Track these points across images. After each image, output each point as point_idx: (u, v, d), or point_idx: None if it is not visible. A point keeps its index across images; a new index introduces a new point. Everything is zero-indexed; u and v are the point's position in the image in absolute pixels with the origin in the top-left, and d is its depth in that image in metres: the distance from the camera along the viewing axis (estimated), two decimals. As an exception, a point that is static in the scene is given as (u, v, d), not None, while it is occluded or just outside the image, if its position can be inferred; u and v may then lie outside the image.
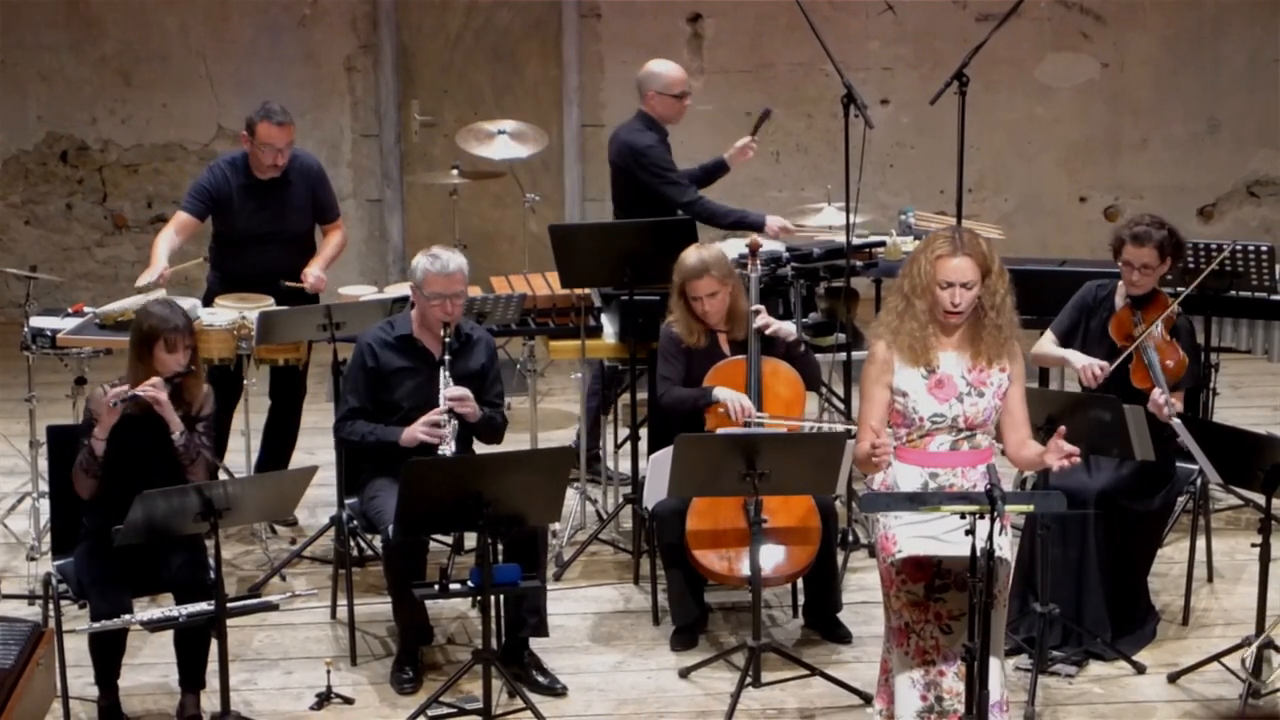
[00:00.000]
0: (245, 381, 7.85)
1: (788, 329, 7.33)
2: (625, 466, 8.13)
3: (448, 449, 6.80)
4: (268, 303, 7.88)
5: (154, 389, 6.36)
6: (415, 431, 6.82)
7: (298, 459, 8.26)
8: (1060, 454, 5.71)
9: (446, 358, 6.89)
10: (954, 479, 5.71)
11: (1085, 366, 6.94)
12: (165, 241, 7.95)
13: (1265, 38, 11.48)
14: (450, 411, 6.83)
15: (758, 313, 7.24)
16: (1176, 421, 6.55)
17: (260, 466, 8.17)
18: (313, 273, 8.03)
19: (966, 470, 5.73)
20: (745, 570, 6.79)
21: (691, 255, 7.23)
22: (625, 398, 8.26)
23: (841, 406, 8.39)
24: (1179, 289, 7.78)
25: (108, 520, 6.28)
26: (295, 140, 8.04)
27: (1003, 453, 5.95)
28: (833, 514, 7.05)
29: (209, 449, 6.53)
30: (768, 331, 7.24)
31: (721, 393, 7.12)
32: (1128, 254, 6.96)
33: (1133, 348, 6.88)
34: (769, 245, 8.08)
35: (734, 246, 7.81)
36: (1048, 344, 7.16)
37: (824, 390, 8.55)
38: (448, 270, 6.88)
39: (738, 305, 7.28)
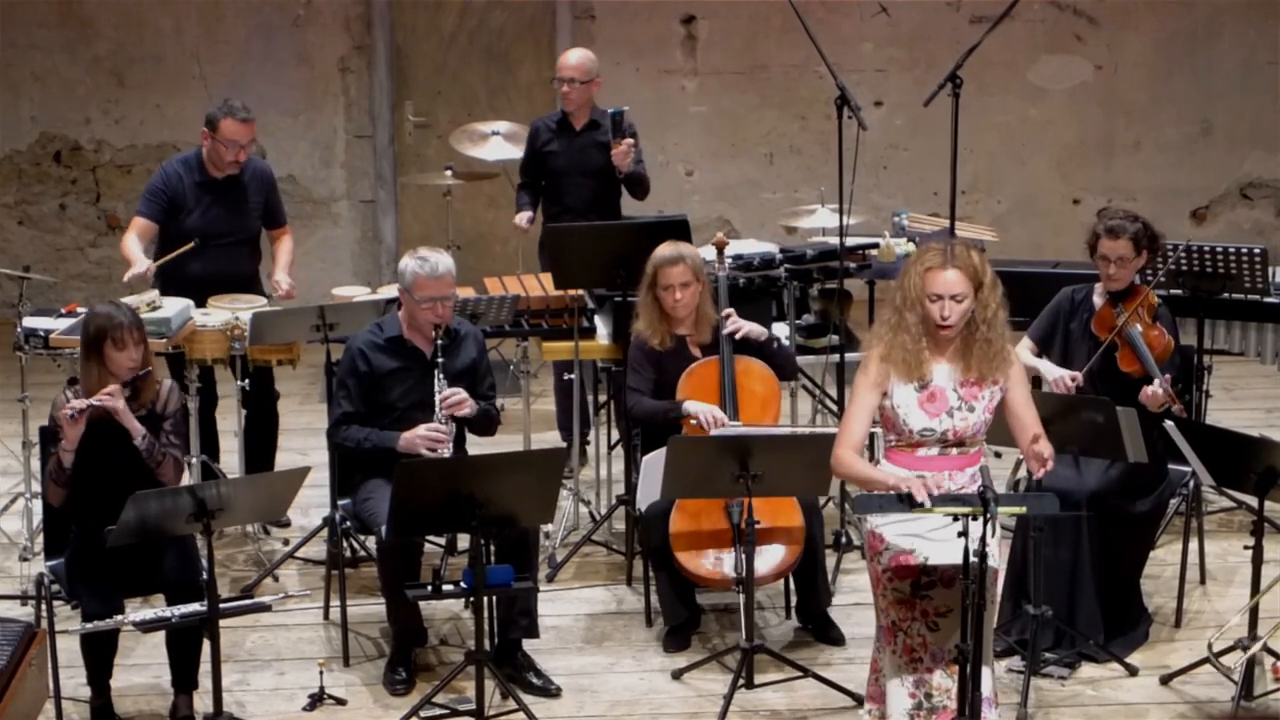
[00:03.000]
0: (239, 382, 7.83)
1: (757, 330, 7.30)
2: (618, 468, 8.14)
3: (445, 452, 6.79)
4: (261, 303, 7.88)
5: (111, 398, 6.31)
6: (415, 443, 6.80)
7: (291, 459, 8.25)
8: (1038, 461, 5.76)
9: (440, 360, 6.89)
10: (941, 480, 5.71)
11: (1057, 380, 6.96)
12: (134, 244, 7.95)
13: (1258, 40, 11.48)
14: (449, 418, 6.84)
15: (728, 317, 7.24)
16: (1169, 424, 6.55)
17: (244, 468, 8.16)
18: (284, 280, 8.04)
19: (954, 473, 5.72)
20: (727, 571, 6.79)
21: (666, 246, 7.24)
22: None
23: (835, 408, 8.39)
24: (1173, 291, 7.83)
25: (98, 521, 6.27)
26: (287, 142, 8.03)
27: (996, 455, 5.95)
28: (815, 511, 7.03)
29: (176, 447, 6.51)
30: (738, 336, 7.22)
31: (692, 406, 7.08)
32: (1103, 248, 6.96)
33: (1114, 333, 6.88)
34: (763, 246, 8.07)
35: (704, 252, 7.79)
36: (1025, 352, 7.08)
37: (818, 392, 8.56)
38: (437, 273, 6.87)
39: (705, 308, 7.26)
